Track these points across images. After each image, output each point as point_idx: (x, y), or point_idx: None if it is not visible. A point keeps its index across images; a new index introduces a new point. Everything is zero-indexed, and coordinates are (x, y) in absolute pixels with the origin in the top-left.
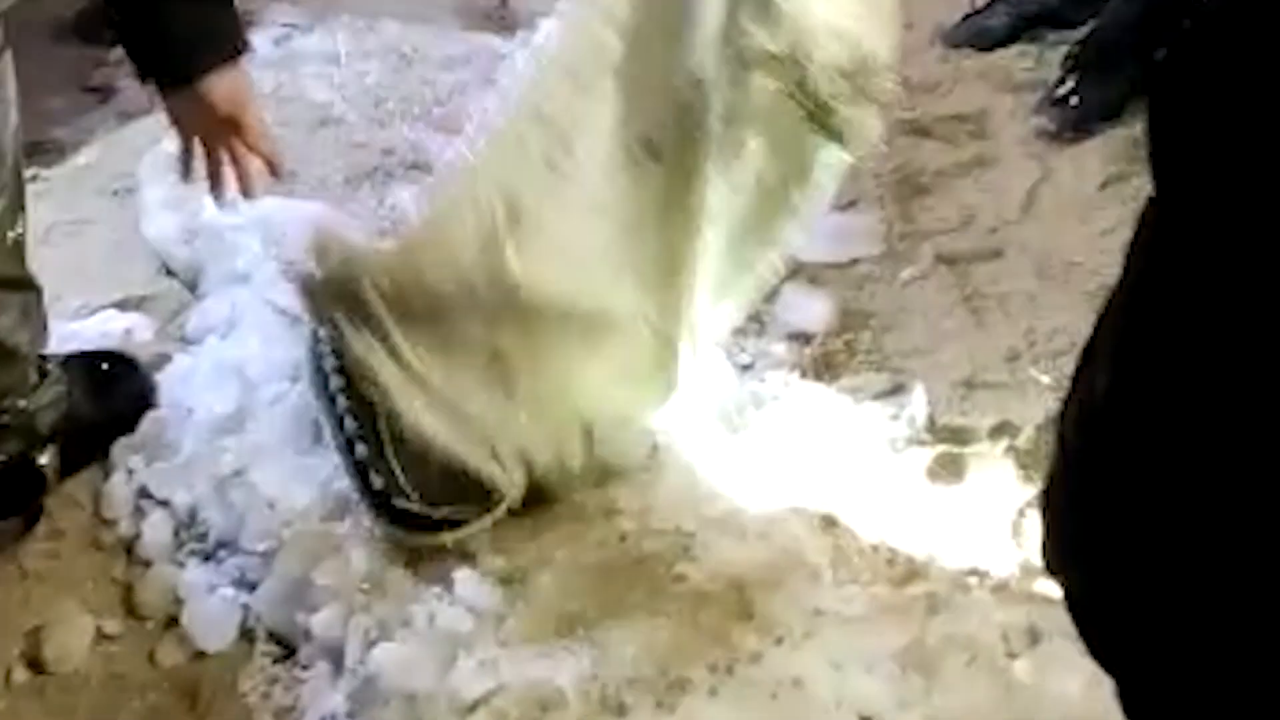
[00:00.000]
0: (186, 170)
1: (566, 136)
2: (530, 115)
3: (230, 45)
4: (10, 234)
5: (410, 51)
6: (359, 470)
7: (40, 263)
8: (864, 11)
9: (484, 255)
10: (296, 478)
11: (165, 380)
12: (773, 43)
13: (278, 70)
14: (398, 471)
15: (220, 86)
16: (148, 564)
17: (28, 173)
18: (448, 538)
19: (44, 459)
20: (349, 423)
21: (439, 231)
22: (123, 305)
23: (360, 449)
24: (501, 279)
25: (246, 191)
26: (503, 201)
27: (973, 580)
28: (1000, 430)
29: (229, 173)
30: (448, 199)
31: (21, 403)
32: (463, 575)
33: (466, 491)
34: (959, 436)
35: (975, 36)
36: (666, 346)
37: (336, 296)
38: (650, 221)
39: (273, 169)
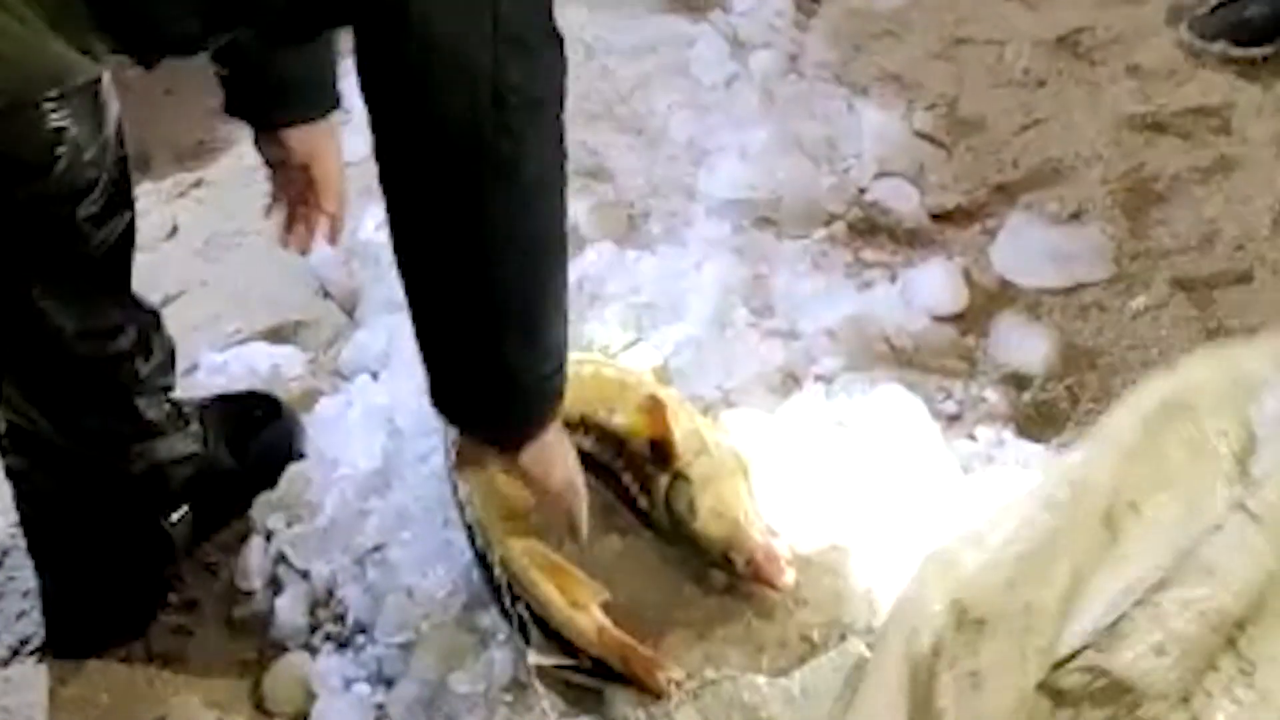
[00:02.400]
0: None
1: None
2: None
3: (316, 104)
4: (98, 235)
5: (593, 40)
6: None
7: (198, 277)
8: None
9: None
10: (438, 555)
11: (312, 423)
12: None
13: None
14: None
15: (298, 137)
16: (281, 647)
17: (189, 175)
18: (574, 678)
19: (175, 517)
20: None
21: None
22: (276, 334)
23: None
24: None
25: (301, 245)
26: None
27: None
28: None
29: (303, 220)
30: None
31: (138, 447)
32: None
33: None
34: None
35: (1232, 29)
36: None
37: None
38: None
39: (332, 234)
